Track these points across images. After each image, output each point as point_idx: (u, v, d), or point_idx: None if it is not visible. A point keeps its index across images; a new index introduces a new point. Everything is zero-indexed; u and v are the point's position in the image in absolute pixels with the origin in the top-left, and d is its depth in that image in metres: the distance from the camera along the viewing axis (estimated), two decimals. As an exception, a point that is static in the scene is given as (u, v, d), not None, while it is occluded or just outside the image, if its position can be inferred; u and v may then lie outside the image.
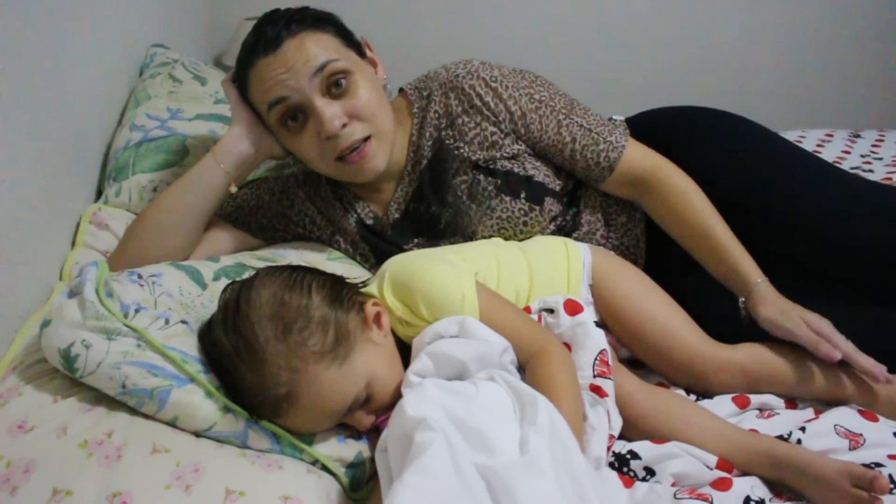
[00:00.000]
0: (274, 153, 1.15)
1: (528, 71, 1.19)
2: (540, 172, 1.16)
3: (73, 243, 1.17)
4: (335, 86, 1.05)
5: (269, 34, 1.05)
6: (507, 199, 1.15)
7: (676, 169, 1.13)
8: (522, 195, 1.15)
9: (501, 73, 1.15)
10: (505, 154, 1.15)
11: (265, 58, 1.04)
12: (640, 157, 1.14)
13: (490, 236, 1.17)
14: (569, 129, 1.14)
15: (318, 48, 1.05)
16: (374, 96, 1.08)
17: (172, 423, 0.81)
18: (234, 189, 1.14)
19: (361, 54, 1.13)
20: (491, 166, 1.15)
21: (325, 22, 1.09)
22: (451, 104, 1.14)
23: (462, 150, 1.15)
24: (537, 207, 1.15)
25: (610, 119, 1.22)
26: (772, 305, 1.01)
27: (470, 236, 1.17)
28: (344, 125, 1.05)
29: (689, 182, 1.12)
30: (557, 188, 1.18)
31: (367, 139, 1.07)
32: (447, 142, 1.15)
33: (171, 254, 1.07)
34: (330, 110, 1.04)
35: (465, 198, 1.16)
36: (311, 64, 1.03)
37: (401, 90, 1.23)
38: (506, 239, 1.17)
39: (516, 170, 1.15)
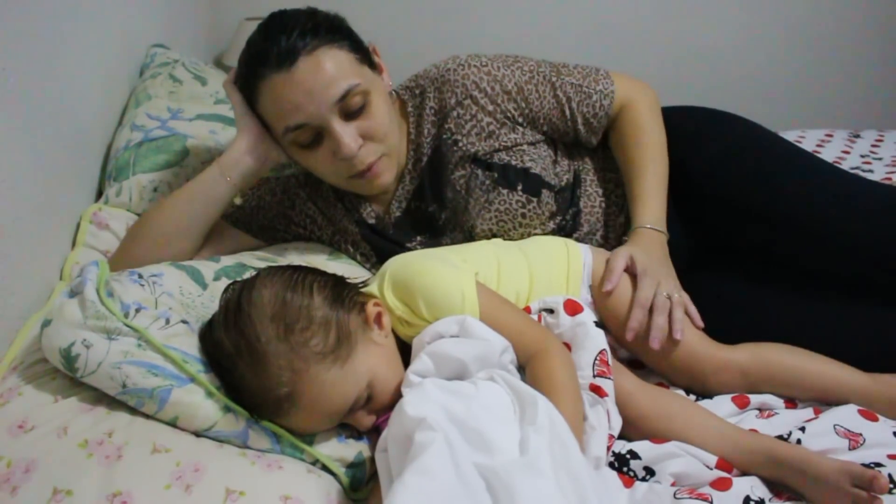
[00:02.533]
0: (280, 162, 1.16)
1: (506, 53, 1.22)
2: (537, 165, 1.17)
3: (74, 243, 1.17)
4: (353, 108, 1.04)
5: (281, 45, 1.01)
6: (505, 191, 1.15)
7: (646, 104, 1.20)
8: (519, 187, 1.15)
9: (488, 57, 1.18)
10: (502, 144, 1.16)
11: (278, 74, 1.01)
12: (620, 95, 1.20)
13: (489, 230, 1.17)
14: (562, 89, 1.18)
15: (336, 70, 1.02)
16: (387, 115, 1.09)
17: (173, 423, 0.81)
18: (239, 201, 1.14)
19: (371, 64, 1.11)
20: (489, 160, 1.16)
21: (338, 33, 1.06)
22: (446, 98, 1.15)
23: (461, 143, 1.15)
24: (534, 199, 1.16)
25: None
26: (635, 246, 1.07)
27: (469, 230, 1.18)
28: (360, 146, 1.06)
29: (650, 120, 1.19)
30: (554, 183, 1.18)
31: (379, 158, 1.09)
32: (444, 136, 1.16)
33: (174, 259, 1.07)
34: (348, 133, 1.04)
35: (463, 192, 1.16)
36: (333, 92, 1.01)
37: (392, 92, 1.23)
38: (505, 233, 1.17)
39: (514, 162, 1.16)
